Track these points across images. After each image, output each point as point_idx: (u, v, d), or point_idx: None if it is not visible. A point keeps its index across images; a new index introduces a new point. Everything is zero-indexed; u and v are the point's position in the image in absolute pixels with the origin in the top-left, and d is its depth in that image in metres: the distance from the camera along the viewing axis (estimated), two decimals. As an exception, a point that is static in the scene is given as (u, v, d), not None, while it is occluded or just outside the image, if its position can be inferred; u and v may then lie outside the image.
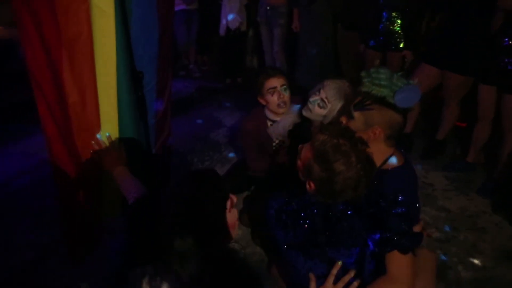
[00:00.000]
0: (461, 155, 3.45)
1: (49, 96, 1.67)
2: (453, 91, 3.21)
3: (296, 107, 2.51)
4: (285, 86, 2.48)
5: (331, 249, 1.45)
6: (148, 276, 1.13)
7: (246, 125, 2.66)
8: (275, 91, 2.44)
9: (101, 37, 1.61)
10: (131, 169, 1.83)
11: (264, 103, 2.54)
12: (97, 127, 1.77)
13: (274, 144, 2.63)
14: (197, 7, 5.37)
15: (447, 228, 2.60)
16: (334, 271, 1.42)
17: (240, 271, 1.65)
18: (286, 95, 2.47)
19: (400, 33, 3.50)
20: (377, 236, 1.41)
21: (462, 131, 3.65)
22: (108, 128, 1.80)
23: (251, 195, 2.88)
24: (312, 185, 1.44)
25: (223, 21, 5.01)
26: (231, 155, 3.59)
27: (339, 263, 1.43)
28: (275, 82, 2.45)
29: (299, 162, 1.51)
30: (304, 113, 2.28)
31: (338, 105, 2.16)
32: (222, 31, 5.08)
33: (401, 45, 3.53)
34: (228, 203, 1.27)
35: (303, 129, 2.45)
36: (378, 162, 1.57)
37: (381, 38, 3.60)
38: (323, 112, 2.20)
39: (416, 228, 1.46)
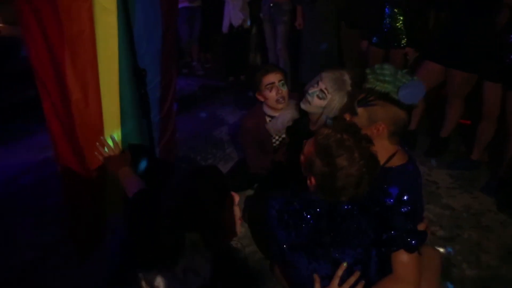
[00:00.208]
0: (465, 153, 3.43)
1: (53, 93, 1.67)
2: (457, 88, 3.19)
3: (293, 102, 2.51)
4: (282, 81, 2.49)
5: (336, 250, 1.43)
6: (145, 272, 1.13)
7: (246, 123, 2.67)
8: (273, 87, 2.45)
9: (104, 35, 1.61)
10: (134, 167, 1.83)
11: (262, 99, 2.56)
12: (100, 124, 1.77)
13: (274, 141, 2.63)
14: (200, 4, 5.37)
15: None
16: (340, 272, 1.41)
17: (241, 270, 1.65)
18: (284, 90, 2.48)
19: (402, 30, 3.50)
20: (384, 236, 1.40)
21: (467, 128, 3.63)
22: (111, 125, 1.80)
23: (253, 193, 2.88)
24: (313, 180, 1.42)
25: (226, 19, 5.00)
26: (234, 153, 3.58)
27: (344, 264, 1.41)
28: (273, 77, 2.46)
29: (302, 157, 1.49)
30: (303, 106, 2.25)
31: (337, 95, 2.14)
32: (225, 28, 5.07)
33: (403, 42, 3.52)
34: (229, 201, 1.27)
35: (301, 125, 2.45)
36: (381, 160, 1.56)
37: (384, 35, 3.59)
38: (322, 103, 2.17)
39: (420, 227, 1.45)
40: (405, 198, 1.47)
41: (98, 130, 1.78)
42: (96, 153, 1.82)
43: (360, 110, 1.69)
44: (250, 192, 2.90)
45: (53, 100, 1.68)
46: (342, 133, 1.36)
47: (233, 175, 3.00)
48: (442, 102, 3.46)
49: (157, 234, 1.11)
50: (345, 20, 4.37)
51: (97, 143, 1.80)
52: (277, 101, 2.47)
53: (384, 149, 1.64)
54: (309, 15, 4.31)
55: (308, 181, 1.44)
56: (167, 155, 2.40)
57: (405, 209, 1.41)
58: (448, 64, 3.13)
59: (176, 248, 1.12)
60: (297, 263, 1.49)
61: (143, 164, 1.97)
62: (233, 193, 1.30)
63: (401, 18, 3.47)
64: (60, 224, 2.19)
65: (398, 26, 3.50)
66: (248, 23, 5.11)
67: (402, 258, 1.39)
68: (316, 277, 1.45)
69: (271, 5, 4.63)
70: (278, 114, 2.54)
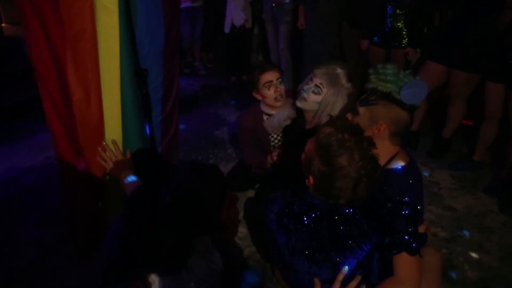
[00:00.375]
0: (467, 153, 3.42)
1: (54, 93, 1.67)
2: (460, 89, 3.18)
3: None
4: (280, 79, 2.51)
5: (337, 254, 1.42)
6: (142, 270, 1.13)
7: (244, 121, 2.70)
8: (271, 85, 2.48)
9: (105, 35, 1.61)
10: (135, 168, 1.83)
11: (260, 97, 2.58)
12: (101, 124, 1.77)
13: (272, 140, 2.65)
14: (202, 4, 5.37)
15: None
16: (340, 277, 1.40)
17: (241, 270, 1.65)
18: (282, 88, 2.51)
19: (403, 29, 3.49)
20: (386, 240, 1.39)
21: (469, 129, 3.62)
22: (112, 125, 1.80)
23: (254, 194, 2.88)
24: (311, 179, 1.40)
25: (228, 18, 5.00)
26: (235, 153, 3.58)
27: (345, 268, 1.40)
28: (271, 76, 2.48)
29: (302, 155, 1.48)
30: (299, 103, 2.26)
31: (331, 89, 2.15)
32: (227, 28, 5.07)
33: (404, 42, 3.51)
34: (228, 201, 1.26)
35: (297, 125, 2.46)
36: (382, 161, 1.55)
37: (385, 34, 3.59)
38: (318, 98, 2.17)
39: (421, 229, 1.44)
40: (406, 199, 1.46)
41: (99, 130, 1.78)
42: (98, 158, 1.82)
43: (361, 109, 1.68)
44: (251, 192, 2.90)
45: (54, 99, 1.67)
46: (344, 132, 1.34)
47: (234, 175, 3.00)
48: (444, 103, 3.45)
49: (156, 232, 1.11)
50: (347, 20, 4.36)
51: (99, 148, 1.81)
52: (276, 99, 2.49)
53: (385, 150, 1.63)
54: (311, 15, 4.30)
55: (307, 181, 1.43)
56: (169, 155, 2.40)
57: (406, 211, 1.40)
58: (450, 65, 3.13)
59: (175, 247, 1.12)
60: (298, 266, 1.47)
61: (144, 166, 1.97)
62: (233, 193, 1.30)
63: (403, 18, 3.47)
64: (61, 224, 2.19)
65: (399, 26, 3.50)
66: (249, 22, 5.10)
67: (404, 260, 1.38)
68: (317, 281, 1.44)
69: (273, 5, 4.63)
70: (275, 112, 2.55)
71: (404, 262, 1.38)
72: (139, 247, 1.11)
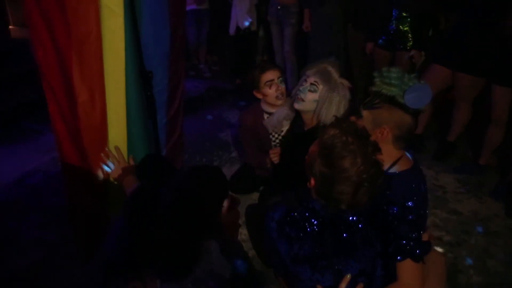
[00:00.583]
0: (472, 157, 3.40)
1: (59, 94, 1.68)
2: (465, 92, 3.17)
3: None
4: (281, 78, 2.55)
5: (340, 261, 1.41)
6: (141, 270, 1.12)
7: (244, 120, 2.73)
8: (273, 84, 2.52)
9: (111, 37, 1.62)
10: (139, 171, 1.84)
11: (260, 96, 2.62)
12: (105, 126, 1.78)
13: (273, 139, 2.67)
14: (208, 7, 5.38)
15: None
16: (343, 285, 1.39)
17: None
18: (283, 86, 2.54)
19: (408, 32, 3.49)
20: (390, 249, 1.38)
21: (474, 133, 3.60)
22: (117, 127, 1.81)
23: (257, 197, 2.87)
24: (312, 182, 1.38)
25: (233, 21, 5.00)
26: (239, 155, 3.58)
27: (348, 276, 1.39)
28: (272, 75, 2.52)
29: (306, 157, 1.45)
30: (297, 106, 2.28)
31: (326, 86, 2.17)
32: (232, 31, 5.08)
33: (409, 45, 3.50)
34: (226, 202, 1.26)
35: (296, 128, 2.48)
36: (385, 165, 1.54)
37: (390, 37, 3.58)
38: (315, 96, 2.19)
39: (424, 237, 1.43)
40: (409, 204, 1.45)
41: (103, 131, 1.79)
42: (100, 163, 1.83)
43: (365, 112, 1.67)
44: (255, 195, 2.90)
45: (59, 101, 1.68)
46: (348, 135, 1.31)
47: (238, 177, 3.01)
48: (449, 106, 3.44)
49: (155, 232, 1.11)
50: (352, 22, 4.36)
51: (102, 154, 1.82)
52: (277, 97, 2.53)
53: (388, 154, 1.61)
54: (316, 18, 4.30)
55: (308, 183, 1.40)
56: (174, 158, 2.40)
57: (410, 216, 1.39)
58: (455, 68, 3.11)
59: (174, 247, 1.12)
60: (300, 274, 1.46)
61: (148, 168, 1.97)
62: (234, 196, 1.30)
63: (408, 21, 3.46)
64: (64, 225, 2.20)
65: (404, 28, 3.49)
66: (254, 25, 5.11)
67: (408, 266, 1.38)
68: None
69: (279, 7, 4.63)
70: (275, 111, 2.58)
71: (407, 269, 1.37)
72: (139, 247, 1.11)
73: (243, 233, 2.48)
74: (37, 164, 3.33)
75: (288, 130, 2.59)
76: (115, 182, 1.88)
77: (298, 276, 1.47)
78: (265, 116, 2.65)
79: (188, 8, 4.90)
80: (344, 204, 1.34)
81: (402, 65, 3.52)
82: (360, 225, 1.40)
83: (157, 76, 1.94)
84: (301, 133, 2.36)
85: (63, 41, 1.57)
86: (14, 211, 2.80)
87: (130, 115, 1.82)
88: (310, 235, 1.41)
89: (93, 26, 1.56)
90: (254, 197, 2.88)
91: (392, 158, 1.64)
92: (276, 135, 2.65)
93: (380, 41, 3.69)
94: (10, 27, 5.63)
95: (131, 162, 1.88)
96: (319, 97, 2.18)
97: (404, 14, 3.46)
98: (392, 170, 1.65)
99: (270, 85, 2.52)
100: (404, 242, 1.36)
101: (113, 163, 1.83)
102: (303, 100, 2.22)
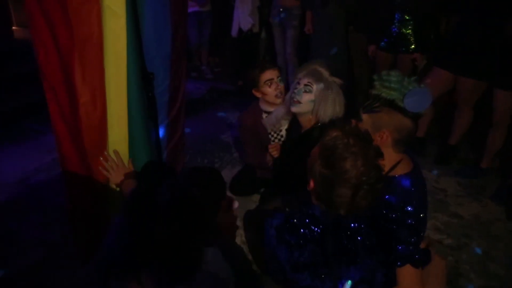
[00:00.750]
0: (474, 160, 3.39)
1: (60, 95, 1.68)
2: (466, 95, 3.16)
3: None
4: (280, 77, 2.59)
5: (340, 268, 1.40)
6: (138, 270, 1.12)
7: (244, 120, 2.76)
8: (272, 83, 2.55)
9: (112, 38, 1.62)
10: (139, 175, 1.84)
11: (260, 95, 2.65)
12: (106, 127, 1.78)
13: (272, 139, 2.68)
14: (209, 9, 5.39)
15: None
16: None
17: (244, 273, 1.63)
18: (282, 85, 2.58)
19: (411, 35, 3.49)
20: (391, 256, 1.38)
21: (476, 136, 3.59)
22: (118, 128, 1.81)
23: (259, 198, 2.87)
24: (312, 184, 1.37)
25: (235, 23, 5.01)
26: (241, 157, 3.58)
27: (349, 283, 1.39)
28: (271, 74, 2.56)
29: (308, 160, 1.45)
30: (294, 108, 2.30)
31: (320, 85, 2.21)
32: (234, 32, 5.09)
33: (412, 47, 3.50)
34: (224, 204, 1.26)
35: (294, 131, 2.48)
36: (385, 169, 1.53)
37: (392, 39, 3.58)
38: (311, 96, 2.22)
39: (422, 245, 1.43)
40: (408, 209, 1.44)
41: (104, 132, 1.78)
42: (100, 167, 1.83)
43: (364, 116, 1.67)
44: (255, 196, 2.89)
45: (59, 101, 1.68)
46: (350, 137, 1.31)
47: (239, 179, 3.01)
48: (451, 109, 3.43)
49: (153, 232, 1.10)
50: (354, 25, 4.36)
51: (101, 158, 1.81)
52: (276, 96, 2.56)
53: (388, 158, 1.60)
54: (319, 20, 4.31)
55: (308, 185, 1.40)
56: (175, 159, 2.40)
57: (409, 221, 1.39)
58: (457, 71, 3.11)
59: (172, 246, 1.11)
60: (300, 281, 1.45)
61: (150, 170, 1.97)
62: (232, 199, 1.30)
63: (411, 23, 3.46)
64: (66, 224, 2.20)
65: (407, 31, 3.49)
66: (257, 26, 5.11)
67: (407, 271, 1.38)
68: None
69: (281, 9, 4.63)
70: (274, 109, 2.60)
71: (407, 274, 1.37)
72: (138, 246, 1.10)
73: (243, 235, 2.48)
74: (37, 164, 3.34)
75: (286, 129, 2.61)
76: (115, 187, 1.88)
77: (297, 283, 1.46)
78: (264, 115, 2.68)
79: (191, 10, 4.91)
80: (343, 208, 1.32)
81: (404, 67, 3.53)
82: (361, 232, 1.39)
83: (159, 77, 1.95)
84: (299, 135, 2.36)
85: (64, 42, 1.57)
86: (15, 211, 2.81)
87: (131, 116, 1.81)
88: (311, 242, 1.40)
89: (95, 27, 1.57)
90: (255, 198, 2.88)
91: (391, 162, 1.63)
92: (275, 135, 2.67)
93: (382, 43, 3.69)
94: (13, 27, 5.65)
95: (131, 166, 1.88)
96: (315, 96, 2.21)
97: (407, 17, 3.46)
98: (391, 174, 1.64)
99: (270, 84, 2.55)
100: (405, 247, 1.36)
101: (112, 167, 1.82)
102: (299, 102, 2.24)
